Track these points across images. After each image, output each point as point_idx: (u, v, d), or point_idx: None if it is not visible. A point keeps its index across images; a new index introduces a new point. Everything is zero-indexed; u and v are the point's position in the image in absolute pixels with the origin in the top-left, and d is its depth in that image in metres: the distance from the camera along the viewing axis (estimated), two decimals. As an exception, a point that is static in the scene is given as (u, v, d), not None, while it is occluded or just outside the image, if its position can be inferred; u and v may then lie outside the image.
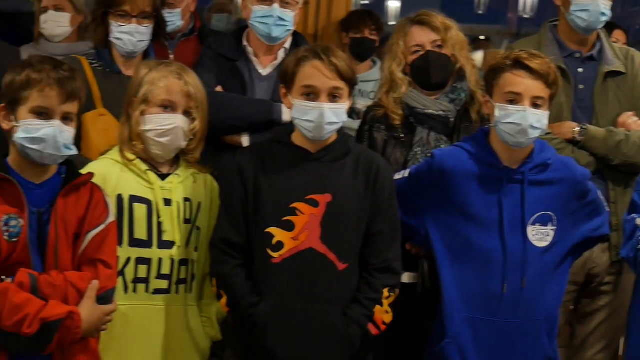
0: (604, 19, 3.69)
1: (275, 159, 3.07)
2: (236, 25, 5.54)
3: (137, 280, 3.03)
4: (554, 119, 3.48)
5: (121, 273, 2.98)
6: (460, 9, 8.39)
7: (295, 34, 3.78)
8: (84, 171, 2.90)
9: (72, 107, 2.75)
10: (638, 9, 12.82)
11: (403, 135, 3.52)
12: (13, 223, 2.67)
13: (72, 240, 2.75)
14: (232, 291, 3.03)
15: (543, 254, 3.15)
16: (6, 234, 2.66)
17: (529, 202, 3.13)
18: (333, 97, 3.00)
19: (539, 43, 3.75)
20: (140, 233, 3.03)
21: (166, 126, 3.03)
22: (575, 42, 3.77)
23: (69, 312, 2.66)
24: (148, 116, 3.04)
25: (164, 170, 3.11)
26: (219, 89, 3.58)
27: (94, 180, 2.86)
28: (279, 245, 3.00)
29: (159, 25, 3.66)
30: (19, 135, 2.71)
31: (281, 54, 3.69)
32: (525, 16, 11.58)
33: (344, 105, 3.03)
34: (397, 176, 3.27)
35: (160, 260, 3.04)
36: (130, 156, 3.06)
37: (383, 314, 3.04)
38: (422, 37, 3.53)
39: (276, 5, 3.59)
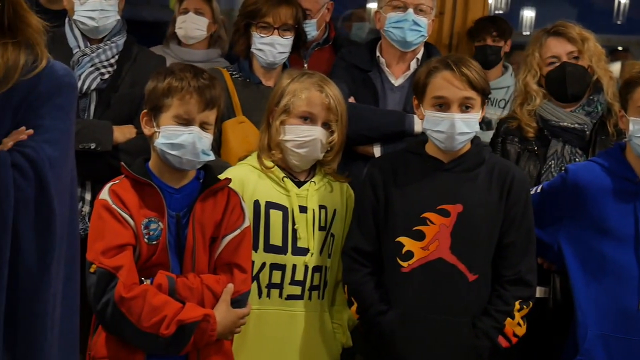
0: None
1: (408, 169, 3.07)
2: (370, 35, 5.57)
3: (271, 286, 3.06)
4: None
5: (256, 278, 3.02)
6: (598, 19, 8.19)
7: (428, 45, 3.79)
8: (222, 176, 2.95)
9: (211, 114, 2.79)
10: None
11: (537, 148, 3.48)
12: (153, 226, 2.74)
13: (208, 244, 2.80)
14: (361, 299, 3.04)
15: (679, 270, 3.07)
16: (146, 236, 2.73)
17: (665, 216, 3.06)
18: (465, 107, 2.99)
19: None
20: (276, 239, 3.06)
21: (305, 137, 3.06)
22: None
23: (204, 315, 2.71)
24: (288, 126, 3.07)
25: (301, 177, 3.14)
26: (351, 99, 3.60)
27: (231, 185, 2.91)
28: (409, 255, 2.99)
29: (299, 37, 3.72)
30: (160, 140, 2.77)
31: (413, 65, 3.70)
32: (668, 27, 11.22)
33: (476, 115, 3.01)
34: (530, 192, 3.24)
35: (294, 266, 3.07)
36: (269, 163, 3.10)
37: (515, 326, 3.00)
38: (558, 49, 3.49)
39: (411, 11, 3.61)
